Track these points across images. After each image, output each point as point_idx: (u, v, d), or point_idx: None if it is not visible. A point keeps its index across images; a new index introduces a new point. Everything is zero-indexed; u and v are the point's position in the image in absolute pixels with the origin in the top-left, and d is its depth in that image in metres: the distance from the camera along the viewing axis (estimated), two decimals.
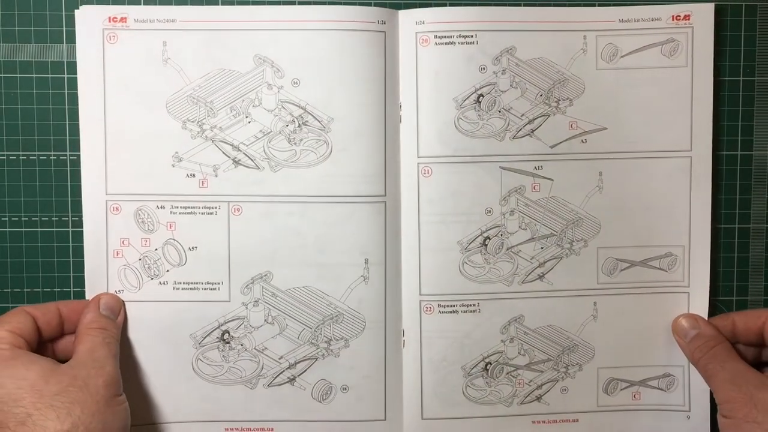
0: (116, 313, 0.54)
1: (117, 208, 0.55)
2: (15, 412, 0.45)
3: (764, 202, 0.57)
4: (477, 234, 0.56)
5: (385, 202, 0.55)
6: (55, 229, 0.56)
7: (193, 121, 0.55)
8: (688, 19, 0.56)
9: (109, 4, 0.55)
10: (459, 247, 0.56)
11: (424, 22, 0.55)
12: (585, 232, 0.57)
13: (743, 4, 0.56)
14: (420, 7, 0.56)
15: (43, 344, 0.53)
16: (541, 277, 0.56)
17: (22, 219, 0.56)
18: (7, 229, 0.56)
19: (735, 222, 0.57)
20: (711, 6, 0.56)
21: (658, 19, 0.56)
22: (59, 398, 0.46)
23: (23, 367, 0.47)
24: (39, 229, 0.56)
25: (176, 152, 0.55)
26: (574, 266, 0.57)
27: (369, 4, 0.55)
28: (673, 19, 0.56)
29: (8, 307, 0.55)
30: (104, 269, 0.55)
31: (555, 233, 0.56)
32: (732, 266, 0.58)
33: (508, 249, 0.56)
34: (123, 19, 0.54)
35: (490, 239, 0.56)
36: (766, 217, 0.58)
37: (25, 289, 0.56)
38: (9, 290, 0.56)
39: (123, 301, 0.55)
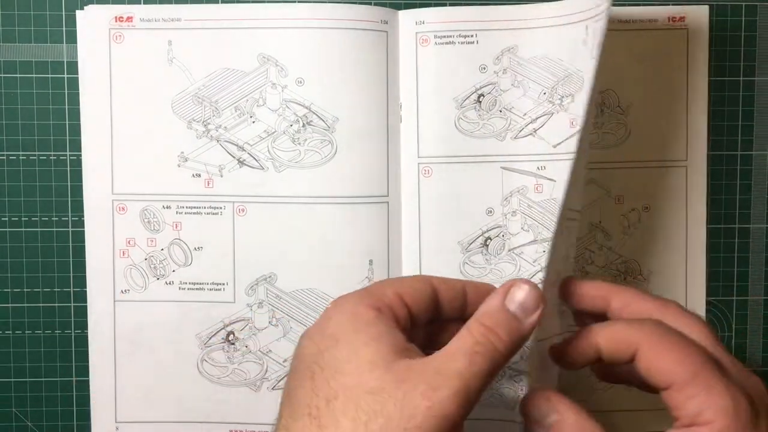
0: (529, 313, 0.39)
1: (123, 208, 0.55)
2: (330, 385, 0.36)
3: (764, 202, 0.58)
4: (477, 234, 0.56)
5: (388, 202, 0.55)
6: (55, 229, 0.55)
7: (198, 121, 0.55)
8: (683, 21, 0.56)
9: (109, 3, 0.55)
10: (459, 248, 0.56)
11: (424, 22, 0.55)
12: None
13: (743, 4, 0.57)
14: (420, 7, 0.56)
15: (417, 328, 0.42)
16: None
17: (22, 219, 0.55)
18: (7, 229, 0.55)
19: (735, 222, 0.58)
20: (705, 9, 0.56)
21: (654, 20, 0.56)
22: (369, 398, 0.35)
23: (362, 341, 0.37)
24: (39, 229, 0.55)
25: (182, 152, 0.55)
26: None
27: (369, 4, 0.55)
28: (668, 21, 0.56)
29: (8, 308, 0.55)
30: (110, 269, 0.55)
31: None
32: (732, 266, 0.58)
33: (510, 250, 0.56)
34: (129, 19, 0.54)
35: (491, 239, 0.56)
36: (766, 217, 0.58)
37: (25, 289, 0.56)
38: (9, 290, 0.56)
39: (542, 298, 0.40)
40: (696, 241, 0.57)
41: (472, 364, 0.36)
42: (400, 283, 0.42)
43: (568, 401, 0.39)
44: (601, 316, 0.44)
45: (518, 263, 0.56)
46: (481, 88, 0.55)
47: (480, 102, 0.55)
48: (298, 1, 0.55)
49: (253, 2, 0.55)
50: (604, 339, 0.40)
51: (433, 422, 0.34)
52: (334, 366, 0.37)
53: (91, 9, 0.54)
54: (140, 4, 0.55)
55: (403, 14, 0.55)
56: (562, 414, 0.39)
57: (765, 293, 0.58)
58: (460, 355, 0.37)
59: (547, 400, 0.40)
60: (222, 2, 0.55)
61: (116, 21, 0.54)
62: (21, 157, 0.55)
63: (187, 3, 0.55)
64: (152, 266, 0.55)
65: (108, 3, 0.55)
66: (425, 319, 0.42)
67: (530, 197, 0.56)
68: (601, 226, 0.57)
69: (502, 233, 0.56)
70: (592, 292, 0.44)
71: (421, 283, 0.41)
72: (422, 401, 0.35)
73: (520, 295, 0.39)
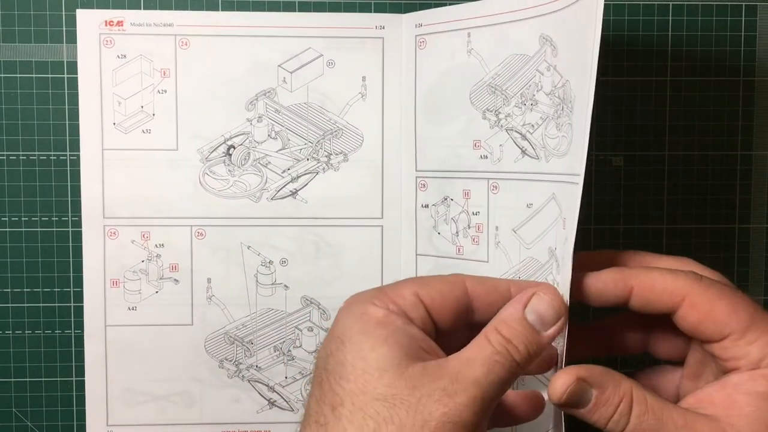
0: (548, 325, 0.37)
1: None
2: (335, 391, 0.35)
3: (764, 202, 0.58)
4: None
5: None
6: (55, 229, 0.55)
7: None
8: None
9: (108, 6, 0.55)
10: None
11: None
12: None
13: (743, 4, 0.57)
14: (421, 8, 0.55)
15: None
16: None
17: (22, 219, 0.55)
18: (7, 229, 0.55)
19: (735, 222, 0.58)
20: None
21: None
22: (378, 405, 0.34)
23: (369, 345, 0.36)
24: (39, 229, 0.55)
25: None
26: None
27: (369, 9, 0.55)
28: None
29: (8, 308, 0.55)
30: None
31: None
32: (732, 266, 0.58)
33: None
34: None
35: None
36: (766, 217, 0.58)
37: (25, 289, 0.56)
38: (9, 290, 0.56)
39: (564, 308, 0.38)
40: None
41: (490, 373, 0.35)
42: (422, 282, 0.39)
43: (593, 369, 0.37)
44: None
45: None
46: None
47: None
48: (293, 9, 0.55)
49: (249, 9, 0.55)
50: (641, 286, 0.38)
51: (448, 428, 0.34)
52: (339, 372, 0.36)
53: (81, 13, 0.54)
54: (139, 8, 0.55)
55: (406, 18, 0.54)
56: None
57: (765, 293, 0.58)
58: (479, 363, 0.35)
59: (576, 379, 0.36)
60: (222, 9, 0.55)
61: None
62: (21, 157, 0.55)
63: (187, 8, 0.55)
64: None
65: (106, 6, 0.55)
66: (454, 325, 0.39)
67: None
68: None
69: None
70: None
71: (450, 284, 0.39)
72: (438, 408, 0.34)
73: (541, 306, 0.37)
